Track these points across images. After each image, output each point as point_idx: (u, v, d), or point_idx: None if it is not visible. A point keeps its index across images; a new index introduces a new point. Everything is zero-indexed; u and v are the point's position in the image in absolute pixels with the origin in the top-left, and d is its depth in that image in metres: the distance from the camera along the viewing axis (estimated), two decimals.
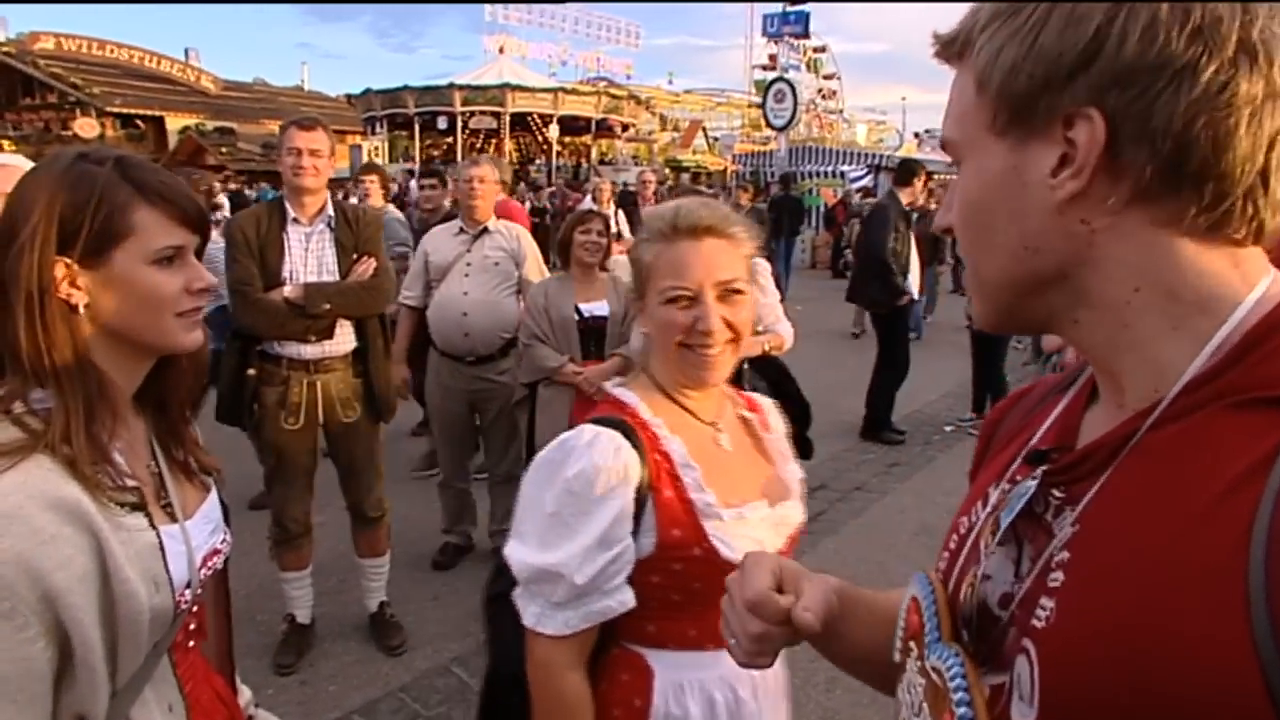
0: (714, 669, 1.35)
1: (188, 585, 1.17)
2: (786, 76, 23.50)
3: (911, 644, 0.77)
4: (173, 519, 1.19)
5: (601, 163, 31.82)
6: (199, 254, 1.20)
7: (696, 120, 40.81)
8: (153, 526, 1.12)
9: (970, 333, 7.19)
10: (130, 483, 1.12)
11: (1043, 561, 0.67)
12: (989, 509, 0.79)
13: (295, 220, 3.24)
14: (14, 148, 18.24)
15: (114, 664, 1.06)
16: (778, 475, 1.50)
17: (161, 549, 1.12)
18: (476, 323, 4.04)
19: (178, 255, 1.15)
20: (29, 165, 2.79)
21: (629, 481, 1.28)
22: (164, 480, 1.22)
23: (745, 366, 3.44)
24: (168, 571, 1.12)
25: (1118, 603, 0.58)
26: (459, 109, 32.49)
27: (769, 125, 23.62)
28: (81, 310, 1.10)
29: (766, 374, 3.48)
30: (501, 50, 37.25)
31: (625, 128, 37.60)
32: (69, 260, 1.08)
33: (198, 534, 1.22)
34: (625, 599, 1.29)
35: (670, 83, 47.21)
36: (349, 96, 36.70)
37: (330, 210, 3.29)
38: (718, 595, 0.97)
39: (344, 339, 3.33)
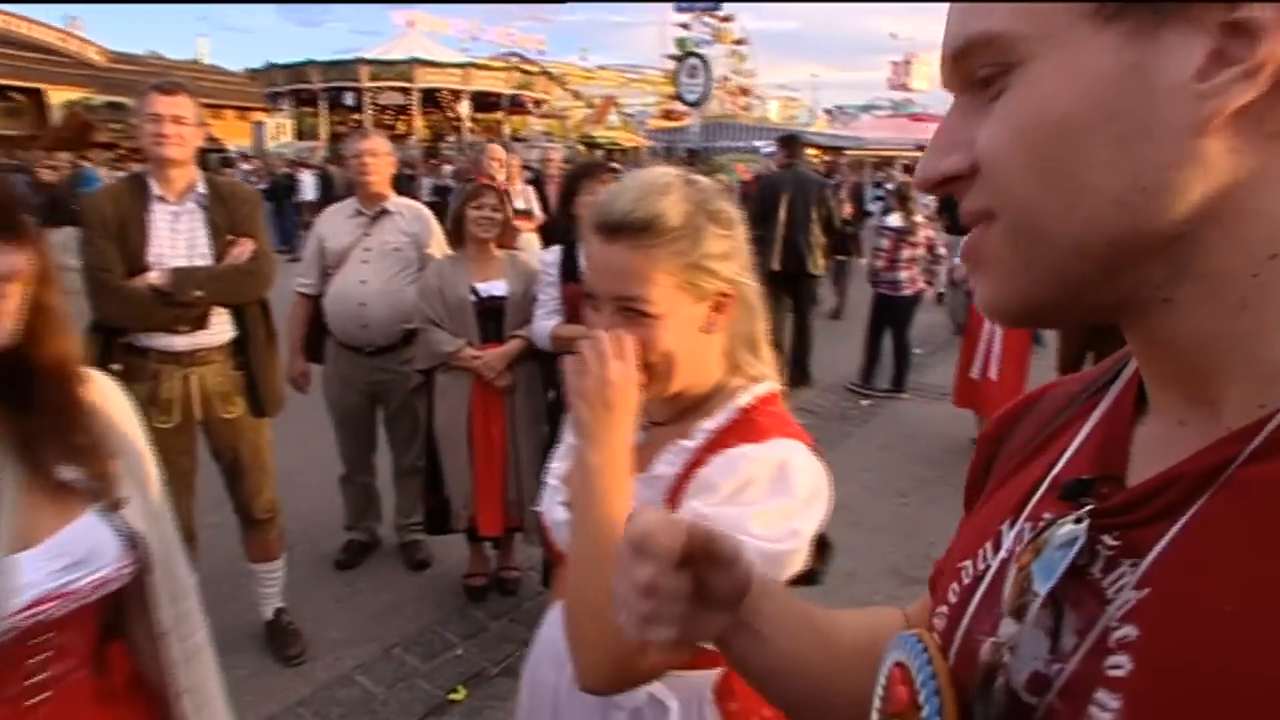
0: None
1: None
2: (699, 51, 23.39)
3: None
4: None
5: (514, 139, 31.21)
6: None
7: (609, 96, 40.45)
8: None
9: (878, 298, 7.25)
10: None
11: (1094, 637, 0.49)
12: (1003, 553, 0.60)
13: (161, 198, 2.91)
14: None
15: None
16: None
17: None
18: (375, 313, 3.76)
19: None
20: None
21: None
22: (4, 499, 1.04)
23: None
24: None
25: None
26: (366, 84, 31.52)
27: (681, 100, 23.53)
28: None
29: None
30: (411, 24, 36.27)
31: (538, 104, 37.06)
32: None
33: (33, 568, 1.05)
34: None
35: (583, 59, 46.71)
36: (250, 71, 35.26)
37: (201, 187, 2.98)
38: None
39: (221, 328, 3.03)
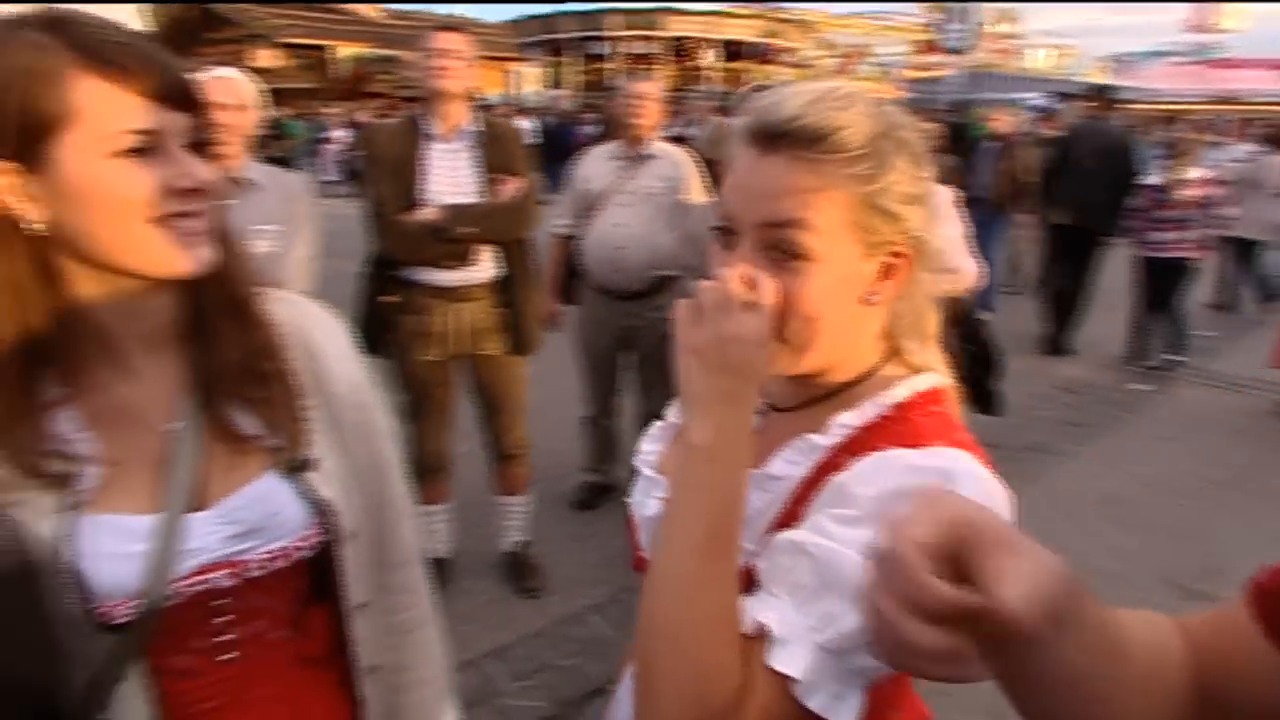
0: None
1: (139, 595, 0.89)
2: None
3: None
4: (146, 508, 0.91)
5: (758, 89, 30.67)
6: (200, 143, 0.89)
7: (859, 45, 38.72)
8: (76, 512, 0.87)
9: (1139, 261, 6.54)
10: (67, 454, 0.87)
11: None
12: None
13: (434, 136, 2.99)
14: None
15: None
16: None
17: (70, 543, 0.86)
18: (632, 256, 3.70)
19: (152, 143, 0.84)
20: (243, 76, 2.76)
21: None
22: (177, 453, 0.93)
23: None
24: (74, 571, 0.86)
25: None
26: (615, 34, 32.04)
27: (940, 50, 22.05)
28: (38, 227, 0.83)
29: (953, 318, 3.04)
30: None
31: (787, 53, 36.18)
32: (8, 164, 0.80)
33: (204, 531, 0.94)
34: None
35: (836, 5, 44.96)
36: (507, 23, 36.89)
37: (472, 125, 3.02)
38: None
39: (485, 266, 3.09)
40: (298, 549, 1.00)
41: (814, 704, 0.76)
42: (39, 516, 0.85)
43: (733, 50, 34.66)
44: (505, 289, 3.15)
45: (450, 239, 2.93)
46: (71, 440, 0.89)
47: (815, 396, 0.95)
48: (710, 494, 0.81)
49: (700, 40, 33.12)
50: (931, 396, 0.93)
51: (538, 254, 3.29)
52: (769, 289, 0.83)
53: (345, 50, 31.18)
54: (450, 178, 3.00)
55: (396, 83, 27.43)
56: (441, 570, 3.46)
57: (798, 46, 36.58)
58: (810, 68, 37.65)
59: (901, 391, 0.91)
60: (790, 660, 0.76)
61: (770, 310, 0.82)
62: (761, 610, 0.80)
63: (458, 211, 2.94)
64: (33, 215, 0.82)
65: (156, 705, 0.92)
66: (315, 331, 1.07)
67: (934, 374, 0.95)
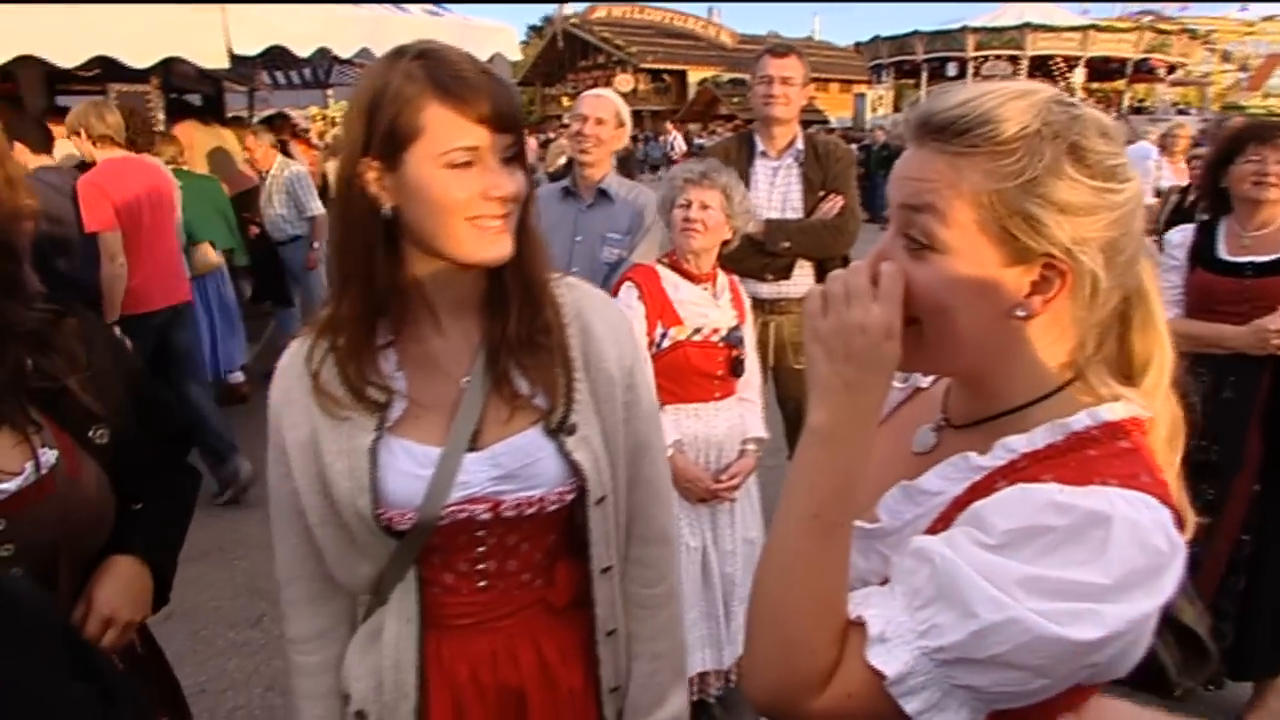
0: None
1: (417, 509, 1.10)
2: None
3: None
4: (435, 440, 1.12)
5: (1135, 111, 27.67)
6: (515, 156, 1.08)
7: (1275, 54, 33.39)
8: (383, 433, 1.10)
9: None
10: (386, 386, 1.11)
11: None
12: None
13: (763, 153, 3.11)
14: (570, 103, 21.29)
15: (348, 542, 1.15)
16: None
17: (375, 459, 1.10)
18: None
19: (475, 158, 1.03)
20: (616, 97, 3.10)
21: None
22: (467, 402, 1.13)
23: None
24: (375, 481, 1.10)
25: None
26: (970, 54, 30.61)
27: None
28: (388, 213, 1.05)
29: None
30: None
31: (1172, 69, 32.32)
32: (373, 161, 1.03)
33: (473, 469, 1.12)
34: None
35: (1243, 9, 38.97)
36: (857, 45, 36.63)
37: (800, 144, 3.10)
38: None
39: (802, 280, 3.13)
40: (549, 501, 1.16)
41: (911, 707, 0.75)
42: (358, 433, 1.10)
43: (1106, 68, 31.63)
44: None
45: (769, 252, 3.00)
46: (389, 376, 1.12)
47: (987, 415, 0.89)
48: (820, 475, 0.81)
49: (1066, 59, 30.59)
50: (1120, 429, 0.82)
51: None
52: (894, 280, 0.80)
53: (697, 73, 32.80)
54: (776, 194, 3.08)
55: (744, 104, 28.37)
56: None
57: (1184, 60, 32.49)
58: (1204, 84, 33.31)
59: (1081, 420, 0.82)
60: (886, 657, 0.76)
61: (898, 301, 0.80)
62: (870, 604, 0.79)
63: (777, 226, 3.01)
64: (386, 201, 1.05)
65: (421, 607, 1.17)
66: (594, 316, 1.22)
67: (1129, 404, 0.84)
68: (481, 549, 1.17)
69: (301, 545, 1.19)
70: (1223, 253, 2.71)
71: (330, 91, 13.02)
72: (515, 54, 6.67)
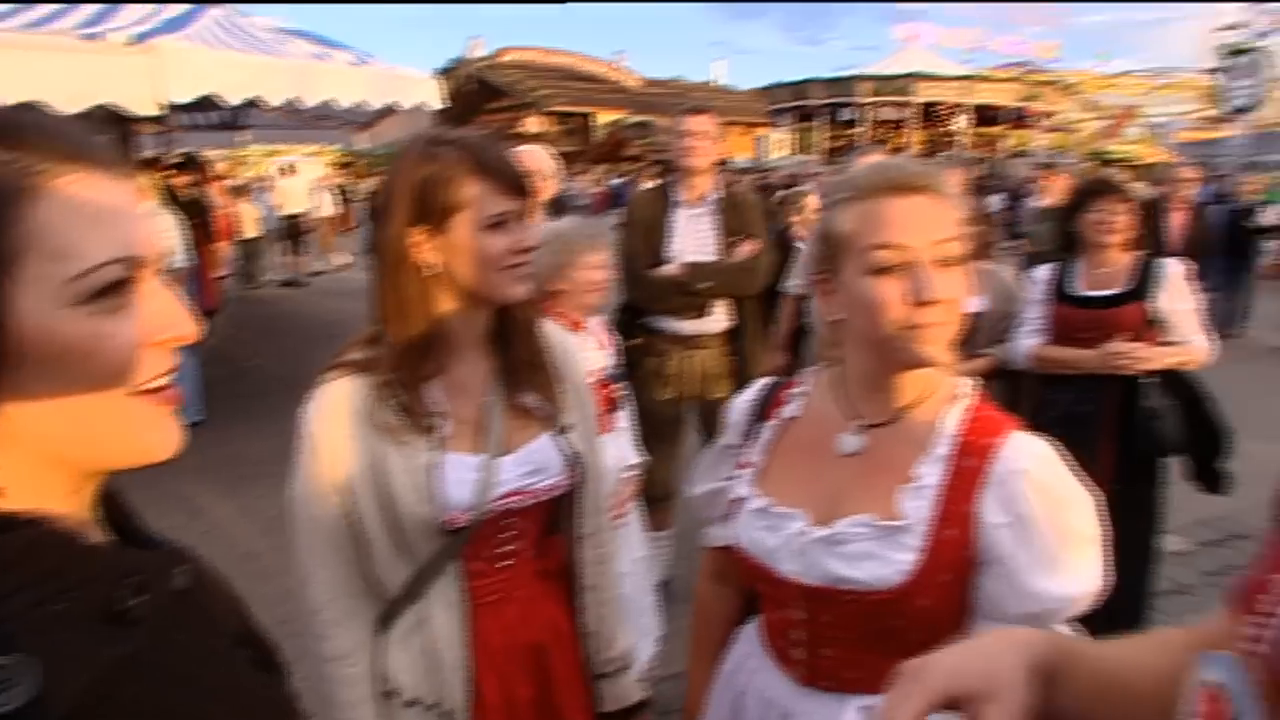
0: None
1: (470, 508, 1.32)
2: (1254, 46, 19.92)
3: None
4: (475, 451, 1.35)
5: (1014, 155, 29.48)
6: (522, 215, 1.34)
7: (1130, 106, 36.13)
8: (439, 450, 1.32)
9: None
10: (434, 411, 1.33)
11: None
12: None
13: (682, 202, 3.42)
14: None
15: (402, 549, 1.33)
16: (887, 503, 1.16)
17: (435, 472, 1.30)
18: None
19: (506, 219, 1.29)
20: (544, 152, 3.35)
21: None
22: (491, 416, 1.38)
23: (1147, 380, 2.97)
24: (436, 489, 1.30)
25: None
26: (865, 100, 32.12)
27: (1225, 111, 20.27)
28: (432, 271, 1.29)
29: (1178, 392, 2.98)
30: (912, 38, 36.13)
31: (1046, 116, 34.56)
32: (422, 229, 1.27)
33: (508, 470, 1.37)
34: (716, 535, 1.41)
35: (1103, 63, 41.92)
36: (758, 90, 37.91)
37: (715, 193, 3.43)
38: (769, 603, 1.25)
39: (719, 317, 3.45)
40: (561, 485, 1.44)
41: None
42: (417, 453, 1.32)
43: (987, 115, 33.65)
44: (735, 339, 3.49)
45: (690, 292, 3.32)
46: (435, 403, 1.35)
47: (898, 405, 1.21)
48: None
49: (953, 106, 32.45)
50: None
51: (770, 310, 3.59)
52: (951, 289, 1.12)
53: (605, 116, 33.34)
54: (693, 239, 3.41)
55: (650, 146, 29.05)
56: (661, 591, 3.76)
57: (1057, 110, 34.81)
58: (1072, 131, 35.70)
59: (965, 393, 1.22)
60: None
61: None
62: None
63: (697, 268, 3.33)
64: (430, 261, 1.30)
65: (464, 592, 1.39)
66: (560, 339, 1.54)
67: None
68: (507, 534, 1.41)
69: (341, 567, 1.35)
70: (1078, 288, 3.16)
71: (243, 134, 12.91)
72: (437, 103, 6.88)
